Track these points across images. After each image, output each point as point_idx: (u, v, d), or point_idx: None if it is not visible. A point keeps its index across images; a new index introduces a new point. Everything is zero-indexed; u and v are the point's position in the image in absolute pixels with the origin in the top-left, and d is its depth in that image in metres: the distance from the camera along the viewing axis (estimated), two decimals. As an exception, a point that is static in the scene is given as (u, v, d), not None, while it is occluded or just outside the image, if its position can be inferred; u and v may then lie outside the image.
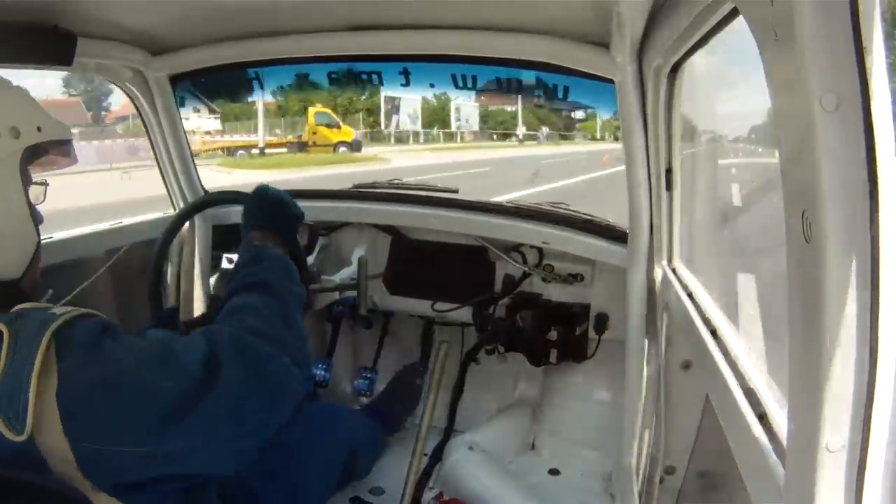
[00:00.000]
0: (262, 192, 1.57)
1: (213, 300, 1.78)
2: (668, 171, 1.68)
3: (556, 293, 2.31)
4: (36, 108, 1.14)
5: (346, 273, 2.34)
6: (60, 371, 0.90)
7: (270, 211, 1.51)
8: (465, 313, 2.43)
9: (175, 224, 1.81)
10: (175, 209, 2.43)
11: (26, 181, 1.11)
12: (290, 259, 1.40)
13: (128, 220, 2.33)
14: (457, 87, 1.98)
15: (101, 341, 0.95)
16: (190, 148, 2.38)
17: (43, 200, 1.18)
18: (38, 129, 1.10)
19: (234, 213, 2.34)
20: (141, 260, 2.17)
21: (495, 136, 29.80)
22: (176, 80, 2.19)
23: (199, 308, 2.41)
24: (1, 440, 0.87)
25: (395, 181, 2.80)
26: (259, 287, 1.22)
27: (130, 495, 0.96)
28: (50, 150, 1.14)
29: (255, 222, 1.48)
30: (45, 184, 1.16)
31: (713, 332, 1.29)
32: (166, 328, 1.64)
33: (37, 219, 1.15)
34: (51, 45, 1.68)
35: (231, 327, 1.09)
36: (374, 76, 2.05)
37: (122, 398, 0.93)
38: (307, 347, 1.20)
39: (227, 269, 2.38)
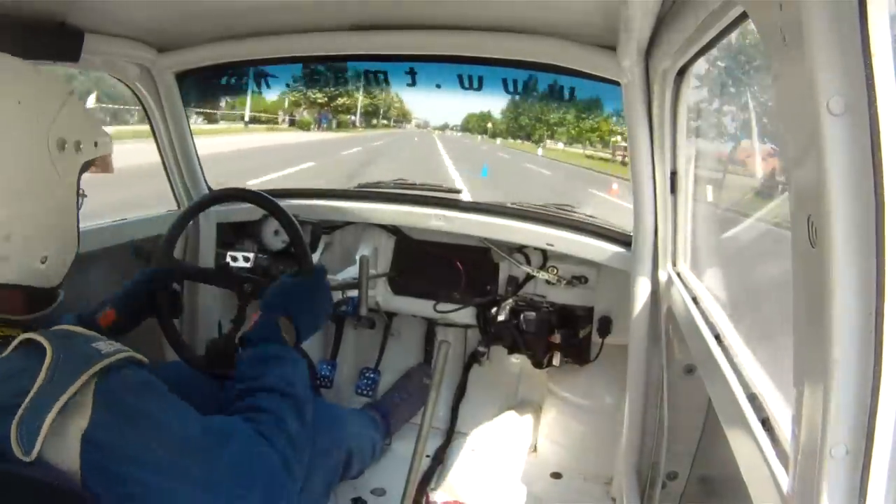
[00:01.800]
0: (320, 280, 1.58)
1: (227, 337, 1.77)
2: (674, 174, 1.68)
3: (559, 295, 2.31)
4: (93, 121, 1.14)
5: (349, 272, 2.34)
6: (94, 419, 0.88)
7: (315, 306, 1.52)
8: (468, 314, 2.43)
9: (181, 220, 1.81)
10: (179, 206, 2.43)
11: (77, 192, 1.11)
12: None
13: (132, 216, 2.33)
14: (463, 87, 1.98)
15: (143, 402, 0.95)
16: (195, 145, 2.39)
17: (80, 209, 1.17)
18: (95, 144, 1.10)
19: (238, 211, 2.36)
20: (141, 257, 2.17)
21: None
22: (182, 77, 2.20)
23: (200, 306, 2.43)
24: (9, 454, 0.86)
25: (400, 181, 2.80)
26: (291, 402, 1.20)
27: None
28: (98, 163, 1.14)
29: (296, 307, 1.46)
30: (84, 195, 1.16)
31: (717, 337, 1.29)
32: (144, 296, 1.65)
33: (78, 225, 1.15)
34: (58, 42, 1.69)
35: (269, 446, 1.08)
36: (381, 76, 2.05)
37: (147, 470, 0.92)
38: (303, 458, 1.19)
39: (230, 266, 2.38)
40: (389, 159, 19.83)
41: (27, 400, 0.86)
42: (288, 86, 2.39)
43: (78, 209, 1.11)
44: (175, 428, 0.98)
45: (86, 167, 1.10)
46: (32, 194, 1.00)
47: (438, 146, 28.12)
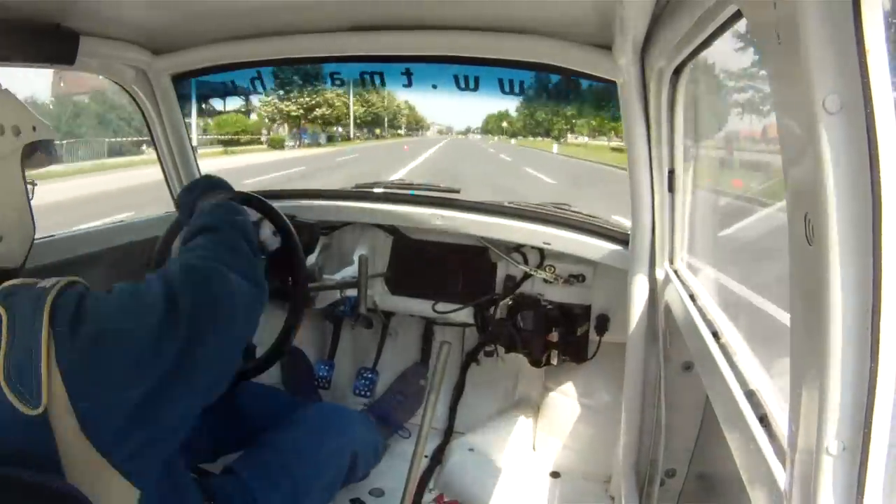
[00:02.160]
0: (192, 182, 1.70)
1: None
2: (671, 173, 1.68)
3: (557, 294, 2.31)
4: (27, 108, 1.21)
5: (347, 272, 2.34)
6: (55, 337, 0.94)
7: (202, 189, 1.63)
8: (465, 314, 2.43)
9: (177, 222, 1.81)
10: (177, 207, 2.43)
11: (24, 174, 1.18)
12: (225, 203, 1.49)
13: (129, 218, 2.33)
14: (459, 88, 1.98)
15: (83, 302, 1.00)
16: (192, 147, 2.39)
17: (31, 198, 1.23)
18: (34, 128, 1.17)
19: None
20: (143, 257, 2.17)
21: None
22: (178, 79, 2.20)
23: None
24: (13, 417, 0.90)
25: (398, 181, 2.80)
26: (199, 231, 1.31)
27: (130, 466, 1.00)
28: (41, 149, 1.21)
29: (186, 199, 1.61)
30: (33, 184, 1.22)
31: (714, 334, 1.29)
32: None
33: (31, 212, 1.22)
34: (54, 44, 1.69)
35: (179, 258, 1.20)
36: (377, 77, 2.05)
37: (107, 348, 0.97)
38: (258, 266, 1.28)
39: None
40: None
41: (1, 358, 0.91)
42: (265, 92, 2.39)
43: (28, 196, 1.18)
44: (109, 303, 1.03)
45: (30, 151, 1.17)
46: None
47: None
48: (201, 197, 1.58)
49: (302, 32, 1.90)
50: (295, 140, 30.73)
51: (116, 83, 2.16)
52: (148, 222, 2.33)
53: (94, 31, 1.77)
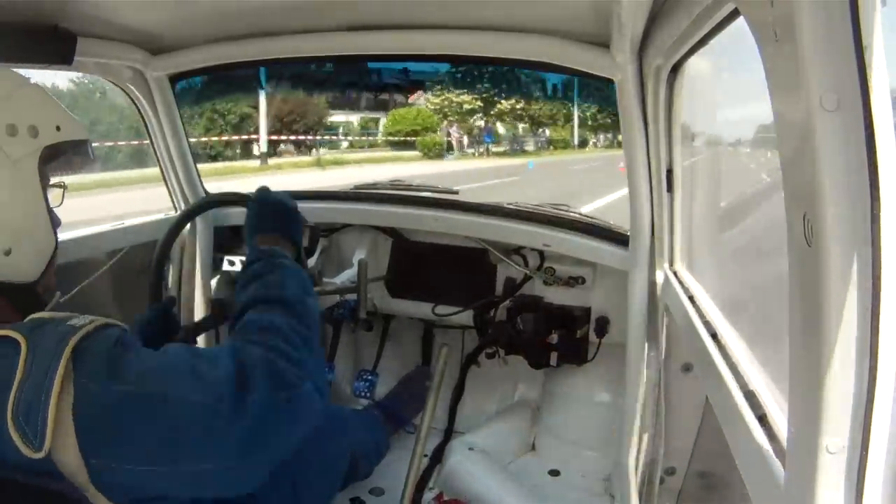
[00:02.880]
0: (267, 196, 1.52)
1: (215, 303, 1.77)
2: (669, 173, 1.68)
3: (556, 296, 2.30)
4: (54, 106, 1.11)
5: (347, 275, 2.33)
6: (77, 385, 0.87)
7: (277, 215, 1.48)
8: (465, 316, 2.43)
9: (177, 225, 1.81)
10: (176, 210, 2.43)
11: (44, 182, 1.08)
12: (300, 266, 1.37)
13: (129, 222, 2.33)
14: (456, 86, 1.98)
15: (120, 354, 0.93)
16: (191, 148, 2.38)
17: (60, 203, 1.15)
18: (57, 128, 1.07)
19: (235, 215, 2.36)
20: (142, 261, 2.17)
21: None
22: (176, 79, 2.19)
23: (199, 308, 2.42)
24: (16, 458, 0.85)
25: (397, 182, 2.79)
26: (280, 304, 1.17)
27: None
28: (68, 150, 1.11)
29: (263, 226, 1.45)
30: (63, 186, 1.14)
31: (714, 335, 1.29)
32: (161, 319, 1.61)
33: (54, 221, 1.13)
34: (51, 45, 1.69)
35: (258, 347, 1.04)
36: (374, 75, 2.05)
37: (143, 414, 0.90)
38: (324, 370, 1.18)
39: (228, 271, 2.38)
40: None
41: (12, 394, 0.85)
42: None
43: (47, 198, 1.08)
44: (159, 364, 0.96)
45: (51, 153, 1.07)
46: None
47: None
48: (277, 226, 1.46)
49: (300, 32, 1.90)
50: (476, 145, 23.58)
51: (114, 84, 2.16)
52: (146, 225, 2.32)
53: (91, 31, 1.77)
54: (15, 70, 1.11)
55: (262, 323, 1.11)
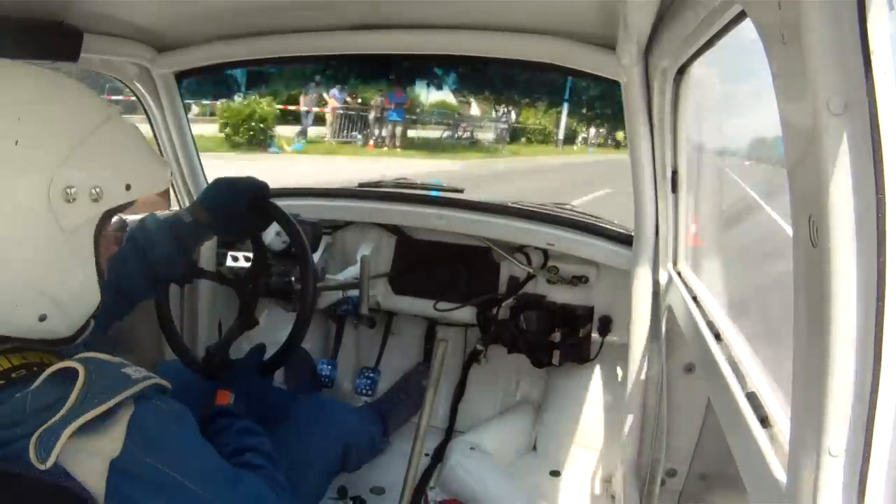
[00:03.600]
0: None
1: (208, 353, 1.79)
2: (674, 173, 1.68)
3: (560, 295, 2.31)
4: (134, 152, 0.95)
5: (350, 272, 2.34)
6: (126, 449, 0.89)
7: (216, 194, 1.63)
8: (468, 314, 2.43)
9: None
10: (180, 206, 2.44)
11: (98, 244, 0.93)
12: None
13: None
14: (459, 87, 1.98)
15: (174, 434, 0.98)
16: (195, 144, 2.39)
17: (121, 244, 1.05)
18: (128, 187, 0.90)
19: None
20: None
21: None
22: (181, 77, 2.20)
23: (202, 306, 2.43)
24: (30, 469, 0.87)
25: (401, 180, 2.80)
26: (271, 463, 1.30)
27: None
28: (128, 207, 0.95)
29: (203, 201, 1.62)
30: (124, 229, 1.06)
31: (717, 336, 1.29)
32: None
33: (101, 276, 0.96)
34: (57, 42, 1.69)
35: (268, 487, 1.17)
36: (380, 75, 2.05)
37: (171, 497, 0.95)
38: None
39: (231, 267, 2.38)
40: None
41: (56, 416, 0.85)
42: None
43: (99, 259, 0.94)
44: (200, 461, 1.02)
45: (115, 213, 0.93)
46: (21, 250, 0.83)
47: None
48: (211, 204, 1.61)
49: (305, 31, 1.91)
50: (378, 127, 14.75)
51: (119, 80, 2.16)
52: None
53: (97, 28, 1.77)
54: (100, 97, 0.94)
55: (267, 472, 1.25)
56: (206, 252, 2.42)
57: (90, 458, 0.87)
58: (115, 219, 0.96)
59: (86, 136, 0.84)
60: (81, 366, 0.88)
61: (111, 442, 0.88)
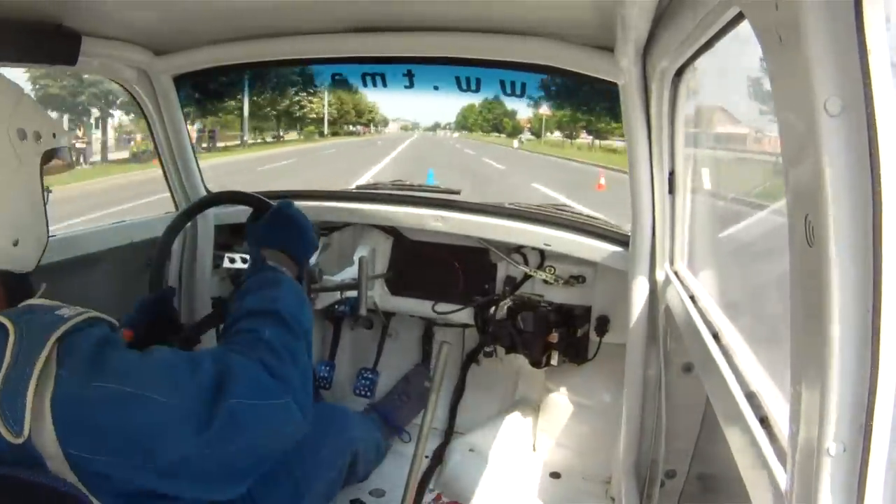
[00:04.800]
0: (287, 210, 1.50)
1: (216, 301, 1.77)
2: (672, 174, 1.68)
3: (557, 295, 2.31)
4: (48, 115, 1.20)
5: (348, 273, 2.34)
6: (59, 377, 0.89)
7: (291, 232, 1.46)
8: (466, 314, 2.44)
9: (178, 222, 1.81)
10: (178, 208, 2.43)
11: (42, 178, 1.16)
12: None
13: (130, 219, 2.34)
14: (461, 89, 1.98)
15: (105, 352, 0.94)
16: (193, 147, 2.39)
17: (46, 203, 1.20)
18: (54, 135, 1.16)
19: (236, 213, 2.36)
20: (143, 258, 2.17)
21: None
22: (179, 80, 2.20)
23: (199, 305, 2.42)
24: (1, 439, 0.87)
25: (398, 182, 2.80)
26: (274, 317, 1.17)
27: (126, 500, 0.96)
28: (58, 155, 1.20)
29: (273, 239, 1.43)
30: (49, 190, 1.20)
31: (715, 336, 1.29)
32: (161, 305, 1.62)
33: (45, 208, 1.19)
34: (55, 45, 1.69)
35: (243, 356, 1.05)
36: (378, 78, 2.05)
37: (119, 412, 0.91)
38: (311, 389, 1.16)
39: (228, 268, 2.38)
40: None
41: (1, 376, 0.87)
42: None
43: (45, 202, 1.17)
44: (138, 366, 0.97)
45: (48, 157, 1.16)
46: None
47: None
48: (287, 243, 1.44)
49: (303, 33, 1.91)
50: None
51: (118, 83, 2.16)
52: (147, 223, 2.33)
53: (95, 31, 1.77)
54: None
55: (251, 333, 1.13)
56: (204, 253, 2.42)
57: (39, 412, 0.88)
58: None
59: (18, 99, 1.11)
60: (7, 318, 0.92)
61: (50, 382, 0.89)
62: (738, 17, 1.01)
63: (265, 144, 25.36)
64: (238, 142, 23.46)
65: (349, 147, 26.60)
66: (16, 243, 1.09)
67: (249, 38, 1.97)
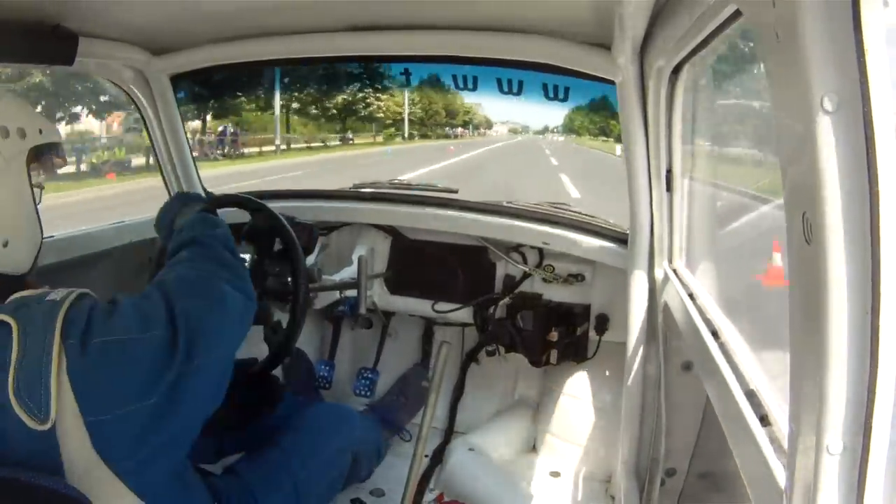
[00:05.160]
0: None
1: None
2: (669, 172, 1.68)
3: (556, 293, 2.31)
4: (34, 111, 1.20)
5: (347, 273, 2.33)
6: (66, 350, 0.94)
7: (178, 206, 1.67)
8: (465, 313, 2.43)
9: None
10: None
11: (31, 181, 1.16)
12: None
13: (129, 219, 2.33)
14: (458, 87, 1.98)
15: (93, 315, 1.00)
16: (190, 147, 2.39)
17: (39, 202, 1.22)
18: (40, 131, 1.16)
19: (234, 214, 2.36)
20: (142, 258, 2.17)
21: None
22: (176, 79, 2.19)
23: None
24: (19, 433, 0.90)
25: (396, 181, 2.80)
26: (182, 246, 1.31)
27: (136, 476, 1.01)
28: (48, 151, 1.19)
29: (164, 220, 1.64)
30: (41, 187, 1.21)
31: (714, 333, 1.29)
32: None
33: (40, 218, 1.20)
34: (52, 45, 1.69)
35: (174, 270, 1.21)
36: (376, 76, 2.05)
37: (116, 360, 0.98)
38: (245, 276, 1.30)
39: None
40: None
41: (11, 373, 0.91)
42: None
43: (35, 199, 1.17)
44: (132, 312, 1.05)
45: (36, 154, 1.16)
46: None
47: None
48: (179, 213, 1.61)
49: (301, 33, 1.90)
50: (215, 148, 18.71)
51: (115, 84, 2.16)
52: (147, 223, 2.32)
53: (92, 31, 1.77)
54: None
55: (174, 258, 1.28)
56: None
57: (59, 390, 0.93)
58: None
59: (2, 95, 1.13)
60: (6, 314, 0.96)
61: (61, 362, 0.94)
62: (735, 15, 1.01)
63: (325, 148, 22.76)
64: (273, 146, 20.94)
65: (409, 153, 23.19)
66: (6, 244, 1.10)
67: (247, 38, 1.97)
